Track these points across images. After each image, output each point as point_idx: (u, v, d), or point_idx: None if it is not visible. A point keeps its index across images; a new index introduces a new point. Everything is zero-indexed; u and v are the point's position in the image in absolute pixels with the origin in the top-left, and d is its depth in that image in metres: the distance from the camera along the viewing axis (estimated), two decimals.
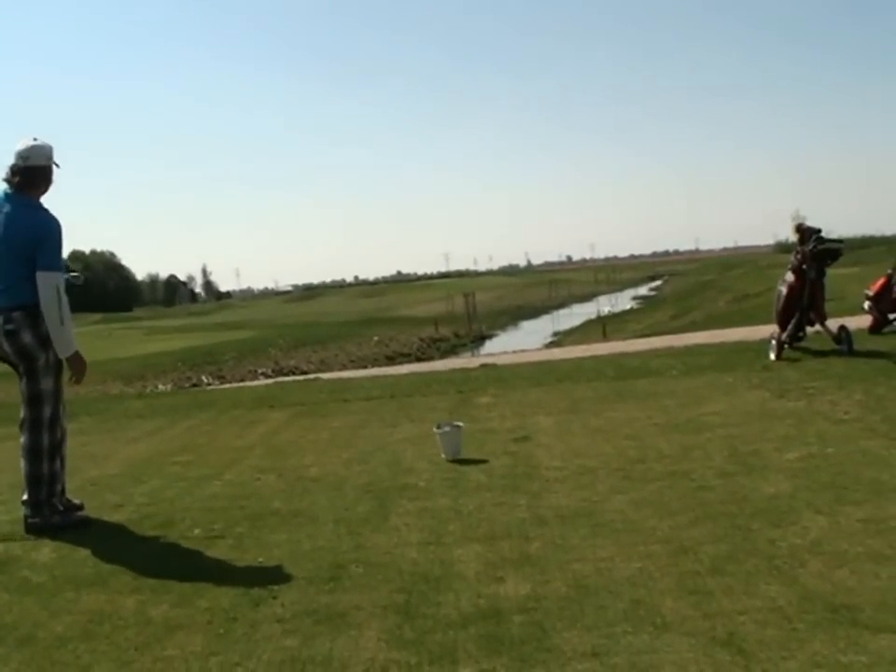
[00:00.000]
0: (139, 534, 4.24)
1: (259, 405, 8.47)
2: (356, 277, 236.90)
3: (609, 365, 8.94)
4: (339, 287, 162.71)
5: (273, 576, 3.47)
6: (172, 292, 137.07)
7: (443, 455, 5.27)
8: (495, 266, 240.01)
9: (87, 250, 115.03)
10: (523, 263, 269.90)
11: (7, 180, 4.34)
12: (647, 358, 9.18)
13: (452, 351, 33.12)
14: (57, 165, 4.42)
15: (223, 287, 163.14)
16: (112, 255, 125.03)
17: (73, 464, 4.79)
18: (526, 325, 46.71)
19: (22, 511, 4.40)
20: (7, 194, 4.36)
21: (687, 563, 3.24)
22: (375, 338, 35.86)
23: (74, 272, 4.95)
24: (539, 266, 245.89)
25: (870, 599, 2.79)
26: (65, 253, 4.55)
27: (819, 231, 8.46)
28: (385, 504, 4.38)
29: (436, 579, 3.30)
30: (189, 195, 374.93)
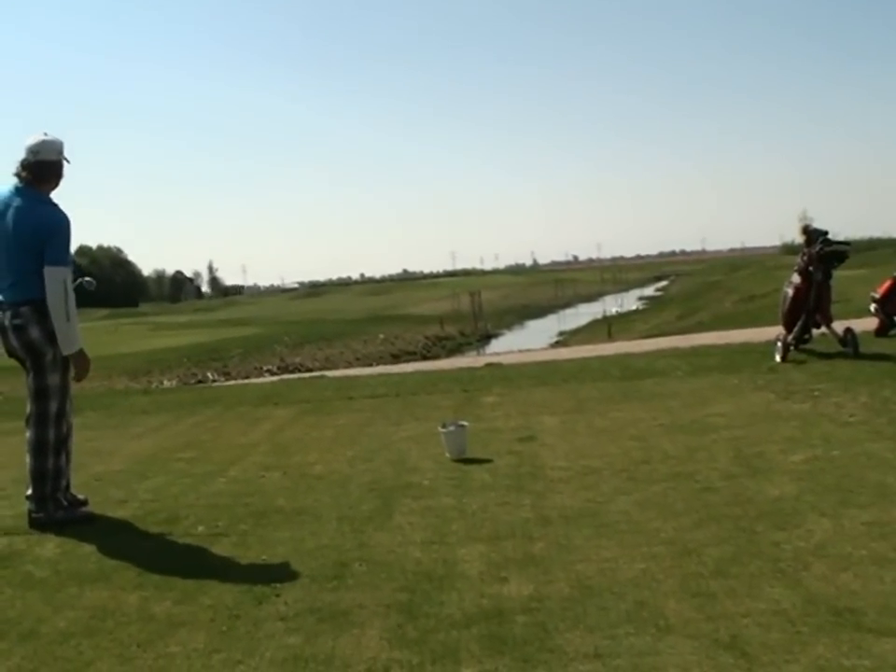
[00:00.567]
0: (143, 530, 4.25)
1: (264, 402, 8.48)
2: (362, 275, 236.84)
3: (615, 365, 8.92)
4: (345, 284, 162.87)
5: (276, 573, 3.48)
6: (178, 288, 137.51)
7: (448, 455, 5.27)
8: (501, 265, 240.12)
9: (94, 245, 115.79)
10: (529, 262, 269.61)
11: (17, 174, 4.32)
12: (652, 359, 9.16)
13: (457, 349, 33.15)
14: (67, 161, 4.40)
15: (230, 284, 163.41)
16: (119, 250, 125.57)
17: (77, 459, 4.80)
18: (532, 324, 46.69)
19: (27, 505, 4.41)
20: (16, 188, 4.33)
21: (691, 565, 3.24)
22: (381, 336, 35.83)
23: (89, 277, 5.00)
24: (546, 265, 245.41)
25: (874, 603, 2.79)
26: (73, 248, 4.56)
27: (826, 233, 8.43)
28: (389, 502, 4.38)
29: (439, 578, 3.30)
30: (196, 192, 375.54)
